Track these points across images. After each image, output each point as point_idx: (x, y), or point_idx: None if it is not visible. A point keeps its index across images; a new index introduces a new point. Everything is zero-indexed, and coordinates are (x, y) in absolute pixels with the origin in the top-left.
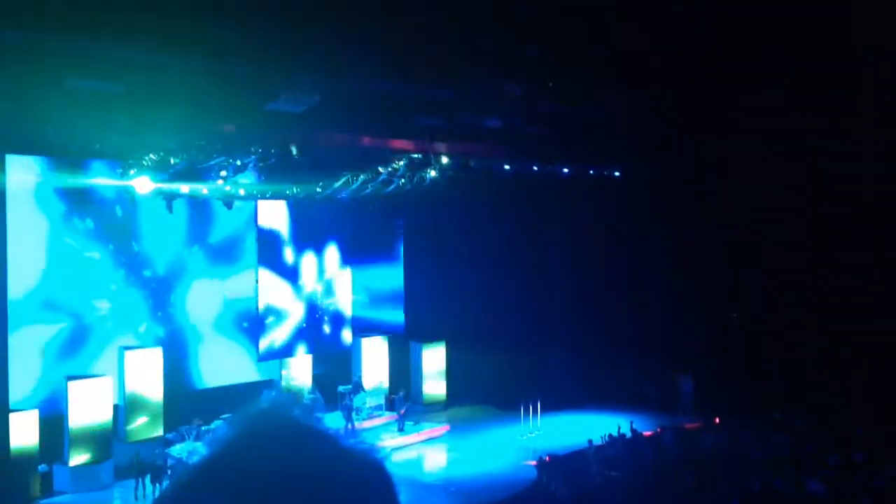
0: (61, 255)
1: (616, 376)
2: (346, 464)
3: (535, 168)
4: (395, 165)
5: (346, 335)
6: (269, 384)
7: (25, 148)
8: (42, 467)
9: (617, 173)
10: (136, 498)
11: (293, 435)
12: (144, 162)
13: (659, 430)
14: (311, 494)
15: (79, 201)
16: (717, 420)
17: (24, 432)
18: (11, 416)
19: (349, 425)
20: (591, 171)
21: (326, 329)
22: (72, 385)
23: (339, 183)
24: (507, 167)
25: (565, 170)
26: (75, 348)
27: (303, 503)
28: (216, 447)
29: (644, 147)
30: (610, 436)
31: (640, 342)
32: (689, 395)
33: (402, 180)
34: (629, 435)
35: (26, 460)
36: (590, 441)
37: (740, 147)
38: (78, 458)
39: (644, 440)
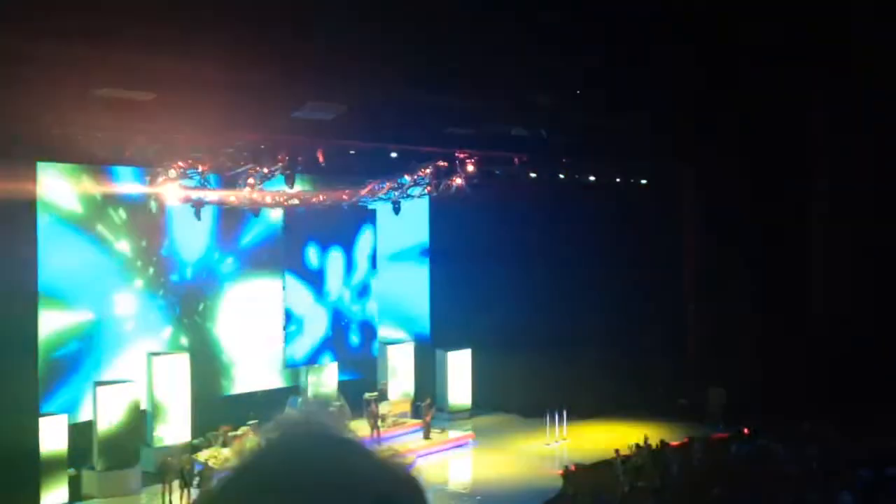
0: (91, 248)
1: (644, 386)
2: (377, 474)
3: (562, 176)
4: (420, 173)
5: (372, 342)
6: (295, 391)
7: (55, 155)
8: (70, 471)
9: (644, 181)
10: (164, 503)
11: (323, 445)
12: (172, 170)
13: (687, 440)
14: None
15: (112, 196)
16: (747, 431)
17: (54, 436)
18: (41, 420)
19: (375, 433)
20: (619, 179)
21: (352, 336)
22: (100, 390)
23: (366, 190)
24: (533, 175)
25: (591, 178)
26: (101, 350)
27: None
28: (246, 458)
29: (673, 154)
30: (637, 445)
31: (671, 351)
32: (720, 406)
33: (428, 188)
34: (656, 445)
35: (55, 464)
36: (616, 451)
37: (775, 151)
38: (105, 463)
39: (672, 450)
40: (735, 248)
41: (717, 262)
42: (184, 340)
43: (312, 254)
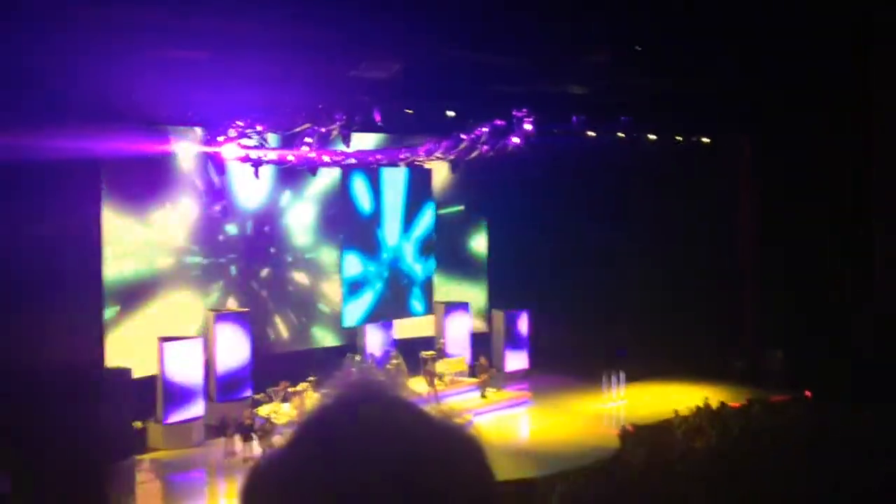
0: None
1: (703, 347)
2: (436, 434)
3: (621, 135)
4: (477, 132)
5: (429, 301)
6: (353, 349)
7: (118, 116)
8: (137, 424)
9: (706, 140)
10: (225, 456)
11: (381, 405)
12: (231, 129)
13: (746, 402)
14: (406, 464)
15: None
16: (809, 394)
17: (119, 389)
18: (107, 373)
19: (432, 391)
20: (679, 139)
21: (409, 295)
22: (165, 345)
23: (423, 149)
24: (591, 134)
25: (651, 137)
26: (162, 305)
27: (398, 472)
28: (307, 418)
29: (738, 115)
30: (697, 407)
31: (730, 313)
32: (780, 368)
33: (485, 147)
34: (715, 407)
35: (121, 417)
36: (675, 412)
37: (844, 115)
38: (170, 417)
39: (731, 412)
40: (795, 213)
41: (775, 227)
42: (243, 295)
43: (370, 212)
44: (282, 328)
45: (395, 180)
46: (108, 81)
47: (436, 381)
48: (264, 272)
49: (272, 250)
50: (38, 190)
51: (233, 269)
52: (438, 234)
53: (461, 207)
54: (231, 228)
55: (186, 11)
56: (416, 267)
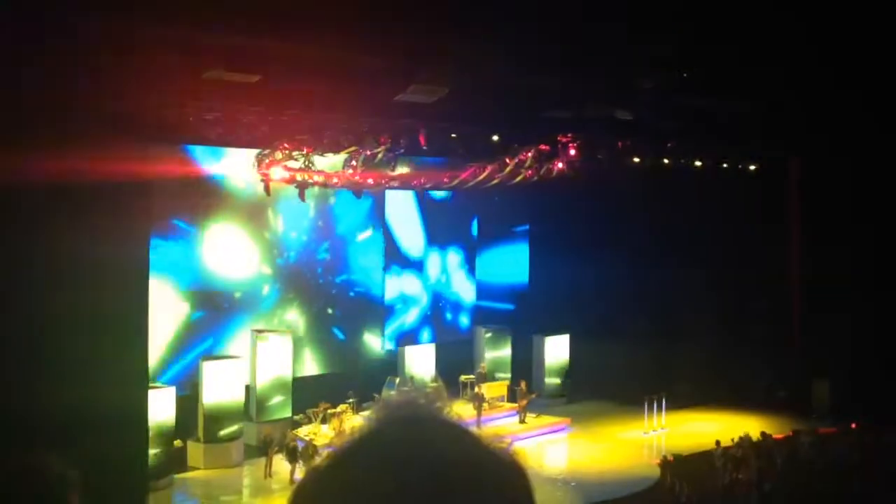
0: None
1: (747, 376)
2: (483, 458)
3: (666, 161)
4: (521, 157)
5: (469, 325)
6: (393, 371)
7: (167, 137)
8: (177, 443)
9: (752, 167)
10: (265, 476)
11: (431, 428)
12: (278, 151)
13: (791, 433)
14: (450, 486)
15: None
16: (854, 426)
17: (162, 409)
18: (150, 392)
19: (477, 415)
20: (725, 165)
21: (449, 318)
22: (206, 365)
23: (466, 173)
24: (636, 160)
25: (697, 163)
26: (208, 326)
27: (442, 494)
28: (355, 440)
29: (783, 143)
30: (740, 437)
31: (775, 341)
32: (826, 399)
33: (529, 171)
34: (758, 437)
35: (163, 436)
36: (717, 442)
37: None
38: (211, 436)
39: (775, 443)
40: (845, 240)
41: (825, 255)
42: (285, 319)
43: (412, 236)
44: (322, 349)
45: (438, 204)
46: (158, 103)
47: (483, 405)
48: (307, 294)
49: (316, 272)
50: (88, 211)
51: (276, 291)
52: (480, 257)
53: (504, 230)
54: (275, 250)
55: (236, 34)
56: (458, 290)
